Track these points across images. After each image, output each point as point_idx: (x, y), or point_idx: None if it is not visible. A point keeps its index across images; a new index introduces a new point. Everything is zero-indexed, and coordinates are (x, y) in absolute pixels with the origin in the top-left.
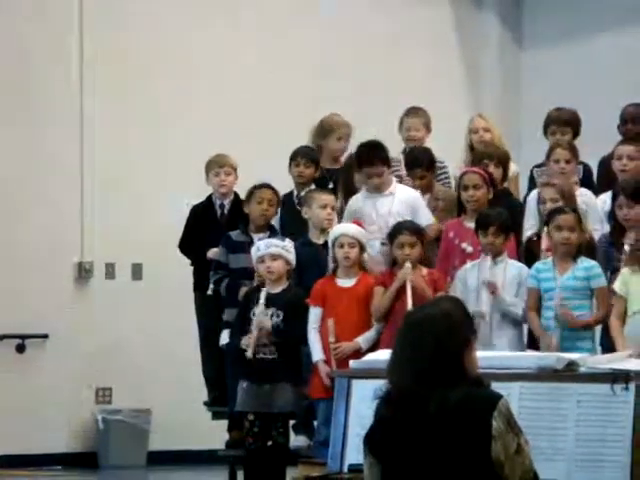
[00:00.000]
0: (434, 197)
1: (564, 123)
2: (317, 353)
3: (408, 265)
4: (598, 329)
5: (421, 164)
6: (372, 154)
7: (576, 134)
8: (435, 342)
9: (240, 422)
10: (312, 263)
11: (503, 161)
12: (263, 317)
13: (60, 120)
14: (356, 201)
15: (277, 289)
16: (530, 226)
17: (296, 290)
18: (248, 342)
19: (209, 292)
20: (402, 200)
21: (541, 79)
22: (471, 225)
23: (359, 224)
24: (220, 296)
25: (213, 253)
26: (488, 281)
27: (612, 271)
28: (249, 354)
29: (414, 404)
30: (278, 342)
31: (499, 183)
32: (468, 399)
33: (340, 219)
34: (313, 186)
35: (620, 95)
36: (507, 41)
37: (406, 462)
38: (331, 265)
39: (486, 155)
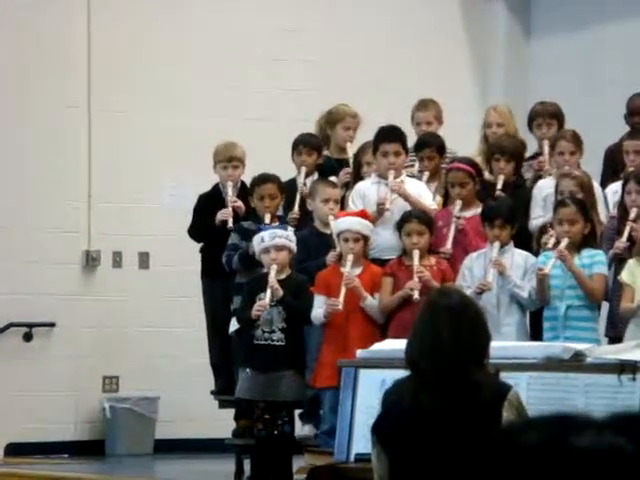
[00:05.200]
0: (442, 186)
1: (549, 115)
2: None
3: (416, 259)
4: (603, 321)
5: (430, 145)
6: (392, 132)
7: (560, 126)
8: (473, 328)
9: (247, 411)
10: (321, 251)
11: (516, 155)
12: (276, 287)
13: (68, 109)
14: (362, 186)
15: (281, 276)
16: (537, 216)
17: (299, 276)
18: (260, 307)
19: (231, 332)
20: (409, 190)
21: (549, 69)
22: (461, 215)
23: (365, 214)
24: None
25: (221, 214)
26: (496, 260)
27: (619, 261)
28: (258, 313)
29: (446, 388)
30: (285, 319)
31: (511, 176)
32: (479, 388)
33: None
34: (316, 175)
35: (628, 84)
36: (515, 30)
37: (415, 450)
38: (333, 252)
39: (498, 150)
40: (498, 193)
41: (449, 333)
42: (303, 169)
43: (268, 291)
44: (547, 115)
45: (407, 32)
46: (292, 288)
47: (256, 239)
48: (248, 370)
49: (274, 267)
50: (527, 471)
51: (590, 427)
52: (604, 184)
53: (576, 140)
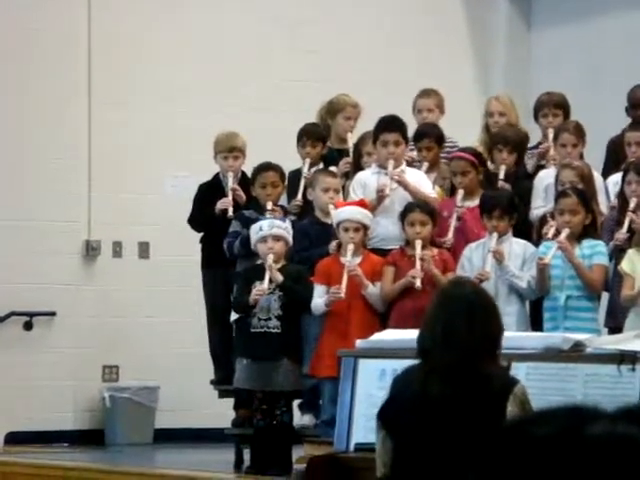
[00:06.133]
0: (441, 176)
1: (555, 105)
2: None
3: (419, 249)
4: (603, 312)
5: (429, 135)
6: (392, 122)
7: (566, 116)
8: (486, 319)
9: (247, 401)
10: (322, 240)
11: (519, 146)
12: (275, 272)
13: (68, 100)
14: (363, 175)
15: (277, 266)
16: (538, 206)
17: (295, 265)
18: (258, 291)
19: (231, 320)
20: (409, 179)
21: (550, 61)
22: (463, 205)
23: (364, 204)
24: (234, 279)
25: (222, 203)
26: (495, 249)
27: (619, 251)
28: (257, 297)
29: (456, 377)
30: (282, 306)
31: (512, 167)
32: (487, 380)
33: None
34: (321, 165)
35: (629, 75)
36: (516, 23)
37: (420, 437)
38: (334, 244)
39: (501, 140)
40: (501, 184)
41: (462, 324)
42: (307, 160)
43: (266, 276)
44: (553, 105)
45: (408, 26)
46: (290, 276)
47: (254, 228)
48: (245, 360)
49: (270, 256)
50: (543, 462)
51: (603, 418)
52: (606, 176)
53: (578, 132)
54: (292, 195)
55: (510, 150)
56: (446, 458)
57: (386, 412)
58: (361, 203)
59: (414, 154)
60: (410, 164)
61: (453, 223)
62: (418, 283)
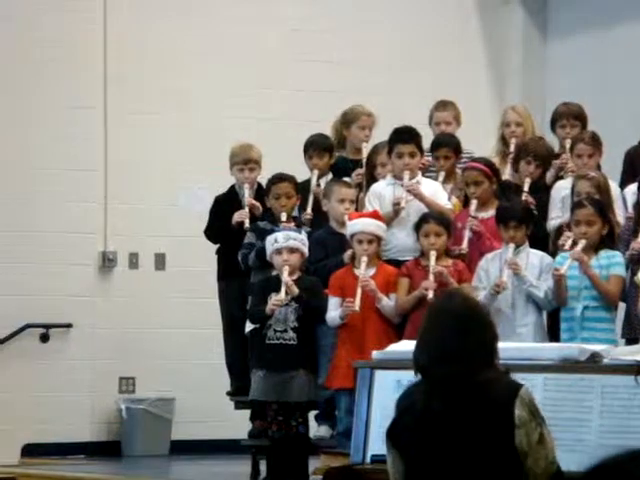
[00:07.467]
0: (457, 187)
1: (573, 117)
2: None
3: (433, 261)
4: (620, 322)
5: (447, 145)
6: (407, 133)
7: (584, 127)
8: (479, 328)
9: (263, 412)
10: (338, 250)
11: (546, 161)
12: (291, 285)
13: (84, 111)
14: (378, 187)
15: (292, 278)
16: (555, 216)
17: (309, 277)
18: (276, 301)
19: (246, 332)
20: (425, 190)
21: (566, 70)
22: (477, 215)
23: (377, 215)
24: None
25: (238, 215)
26: (511, 261)
27: (636, 262)
28: (274, 307)
29: (457, 390)
30: (298, 318)
31: (537, 180)
32: (490, 387)
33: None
34: (330, 175)
35: None
36: (531, 32)
37: (430, 454)
38: (348, 253)
39: (531, 153)
40: (525, 196)
41: (455, 336)
42: (315, 172)
43: (283, 288)
44: (571, 116)
45: (424, 36)
46: (304, 288)
47: (269, 240)
48: (260, 372)
49: (286, 268)
50: None
51: None
52: (624, 187)
53: (595, 142)
54: (302, 206)
55: (538, 165)
56: (458, 471)
57: (394, 432)
58: (374, 214)
59: (429, 159)
60: (425, 169)
61: (467, 234)
62: (430, 295)
